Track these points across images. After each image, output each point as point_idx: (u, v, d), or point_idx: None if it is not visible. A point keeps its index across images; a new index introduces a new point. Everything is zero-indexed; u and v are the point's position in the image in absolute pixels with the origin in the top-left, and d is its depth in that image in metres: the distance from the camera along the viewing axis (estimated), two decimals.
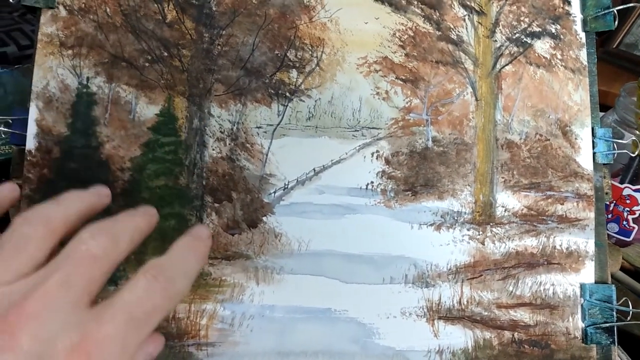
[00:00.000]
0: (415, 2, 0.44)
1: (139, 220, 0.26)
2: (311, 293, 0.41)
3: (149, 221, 0.26)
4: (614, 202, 0.61)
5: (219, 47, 0.42)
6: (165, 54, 0.41)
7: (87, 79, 0.41)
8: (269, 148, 0.42)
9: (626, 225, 0.61)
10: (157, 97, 0.41)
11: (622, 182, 0.60)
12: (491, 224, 0.43)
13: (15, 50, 0.73)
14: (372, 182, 0.42)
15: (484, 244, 0.43)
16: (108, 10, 0.41)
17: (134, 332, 0.21)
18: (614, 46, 0.89)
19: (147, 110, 0.41)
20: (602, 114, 0.64)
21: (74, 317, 0.21)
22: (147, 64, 0.41)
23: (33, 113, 0.40)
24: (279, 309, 0.40)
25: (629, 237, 0.61)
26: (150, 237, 0.39)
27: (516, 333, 0.42)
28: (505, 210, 0.43)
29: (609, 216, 0.62)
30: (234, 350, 0.39)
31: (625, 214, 0.61)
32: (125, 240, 0.24)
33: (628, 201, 0.60)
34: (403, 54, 0.43)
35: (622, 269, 0.58)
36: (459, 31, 0.44)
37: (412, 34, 0.44)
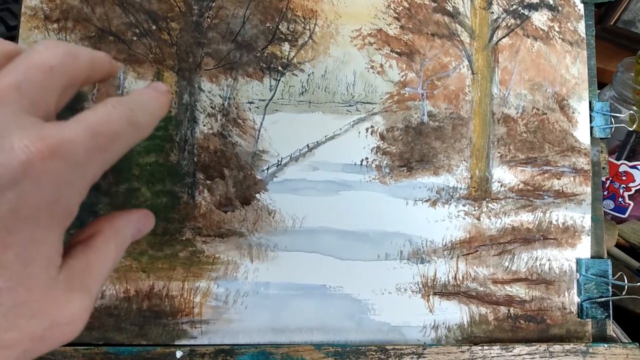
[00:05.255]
0: None
1: (98, 52, 0.24)
2: (306, 270, 0.40)
3: (107, 56, 0.25)
4: (610, 179, 0.61)
5: (209, 19, 0.41)
6: (154, 27, 0.40)
7: None
8: (261, 124, 0.41)
9: (622, 202, 0.61)
10: (145, 71, 0.40)
11: (618, 159, 0.60)
12: (487, 199, 0.42)
13: (3, 30, 0.72)
14: (366, 158, 0.42)
15: (479, 220, 0.42)
16: None
17: (97, 149, 0.20)
18: (612, 23, 0.88)
19: (136, 85, 0.40)
20: (598, 91, 0.63)
21: (30, 121, 0.19)
22: (135, 38, 0.40)
23: None
24: (274, 286, 0.40)
25: (624, 214, 0.61)
26: None
27: (512, 308, 0.42)
28: (501, 186, 0.43)
29: (605, 193, 0.62)
30: (228, 327, 0.39)
31: (621, 190, 0.60)
32: (84, 59, 0.22)
33: (624, 178, 0.60)
34: (398, 26, 0.42)
35: (617, 245, 0.58)
36: (455, 2, 0.43)
37: (407, 6, 0.43)
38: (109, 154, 0.21)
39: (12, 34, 0.70)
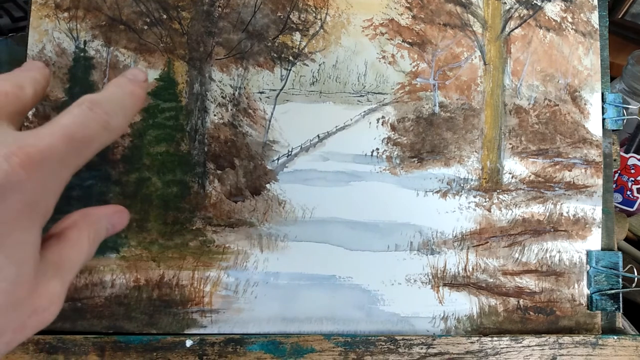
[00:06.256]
0: None
1: (36, 75, 0.25)
2: (316, 260, 0.40)
3: (44, 73, 0.26)
4: (619, 172, 0.61)
5: (220, 9, 0.41)
6: (165, 16, 0.40)
7: (85, 42, 0.39)
8: (271, 114, 0.41)
9: (630, 195, 0.61)
10: (156, 61, 0.40)
11: (627, 152, 0.60)
12: (498, 190, 0.42)
13: (8, 22, 0.71)
14: (377, 149, 0.42)
15: (490, 211, 0.42)
16: None
17: (73, 153, 0.21)
18: (620, 16, 0.87)
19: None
20: None
21: (3, 131, 0.20)
22: (145, 27, 0.40)
23: None
24: (284, 276, 0.40)
25: (632, 207, 0.61)
26: (153, 204, 0.39)
27: (521, 300, 0.42)
28: (512, 177, 0.42)
29: (613, 186, 0.61)
30: (238, 317, 0.39)
31: (630, 183, 0.60)
32: (29, 89, 0.24)
33: (633, 171, 0.60)
34: (410, 16, 0.42)
35: (626, 239, 0.58)
36: None
37: None
38: (83, 158, 0.22)
39: (17, 25, 0.70)
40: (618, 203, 0.62)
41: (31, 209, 0.20)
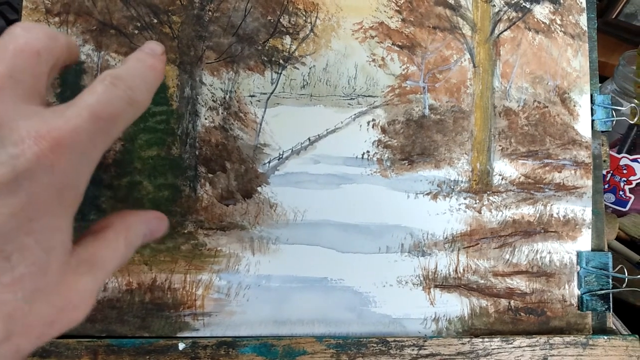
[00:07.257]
0: None
1: (67, 35, 0.24)
2: (307, 263, 0.40)
3: (74, 40, 0.25)
4: (611, 172, 0.61)
5: (210, 13, 0.41)
6: (155, 20, 0.40)
7: None
8: (262, 117, 0.41)
9: (622, 196, 0.61)
10: None
11: (619, 152, 0.60)
12: (488, 192, 0.43)
13: (3, 24, 0.71)
14: (368, 152, 0.42)
15: (480, 213, 0.42)
16: None
17: (100, 133, 0.21)
18: (613, 16, 0.87)
19: None
20: (600, 84, 0.63)
21: (31, 109, 0.20)
22: (136, 31, 0.40)
23: None
24: (275, 279, 0.40)
25: (625, 207, 0.61)
26: (144, 208, 0.39)
27: (512, 301, 0.42)
28: (502, 179, 0.43)
29: (606, 186, 0.62)
30: (230, 320, 0.39)
31: (622, 184, 0.60)
32: (62, 41, 0.22)
33: (625, 171, 0.60)
34: (399, 20, 0.42)
35: (618, 238, 0.58)
36: None
37: None
38: (110, 137, 0.21)
39: None
40: (611, 203, 0.62)
41: (62, 193, 0.19)
